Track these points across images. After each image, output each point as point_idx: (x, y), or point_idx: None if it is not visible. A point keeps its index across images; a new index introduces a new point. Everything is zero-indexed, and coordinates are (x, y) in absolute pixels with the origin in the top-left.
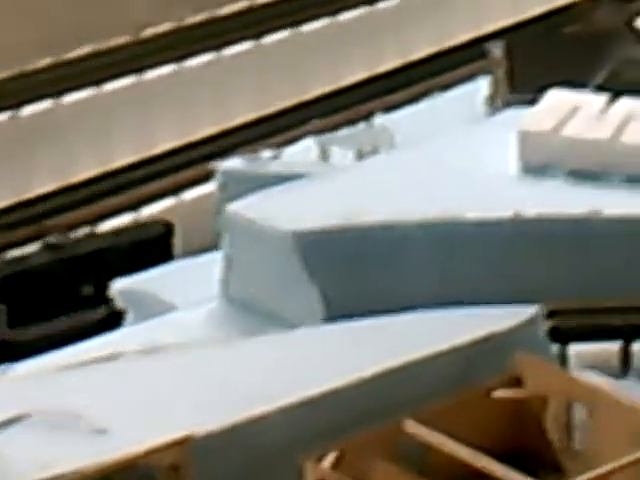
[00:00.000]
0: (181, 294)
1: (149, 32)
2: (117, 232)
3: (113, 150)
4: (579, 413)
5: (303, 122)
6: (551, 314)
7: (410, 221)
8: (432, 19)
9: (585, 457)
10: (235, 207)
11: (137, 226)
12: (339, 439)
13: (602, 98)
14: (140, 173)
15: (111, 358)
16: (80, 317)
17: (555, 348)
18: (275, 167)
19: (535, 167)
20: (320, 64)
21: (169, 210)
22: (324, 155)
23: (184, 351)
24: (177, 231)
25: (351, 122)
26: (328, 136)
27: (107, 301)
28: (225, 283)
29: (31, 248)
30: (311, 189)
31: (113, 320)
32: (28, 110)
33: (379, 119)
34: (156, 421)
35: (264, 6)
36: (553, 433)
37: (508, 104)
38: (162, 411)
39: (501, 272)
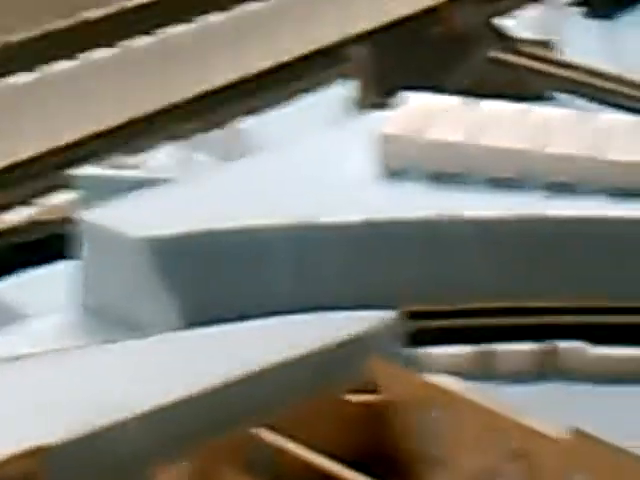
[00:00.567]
0: (34, 303)
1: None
2: None
3: None
4: (435, 418)
5: (165, 127)
6: (408, 318)
7: (266, 226)
8: (298, 22)
9: (441, 462)
10: (89, 214)
11: None
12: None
13: (463, 100)
14: None
15: None
16: None
17: (412, 352)
18: (134, 173)
19: (396, 170)
20: (185, 68)
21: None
22: (186, 160)
23: (38, 360)
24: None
25: (214, 126)
26: (191, 141)
27: None
28: (81, 291)
29: None
30: (169, 195)
31: None
32: None
33: (243, 123)
34: (7, 432)
35: (126, 12)
36: (409, 439)
37: (372, 107)
38: (14, 421)
39: (357, 276)
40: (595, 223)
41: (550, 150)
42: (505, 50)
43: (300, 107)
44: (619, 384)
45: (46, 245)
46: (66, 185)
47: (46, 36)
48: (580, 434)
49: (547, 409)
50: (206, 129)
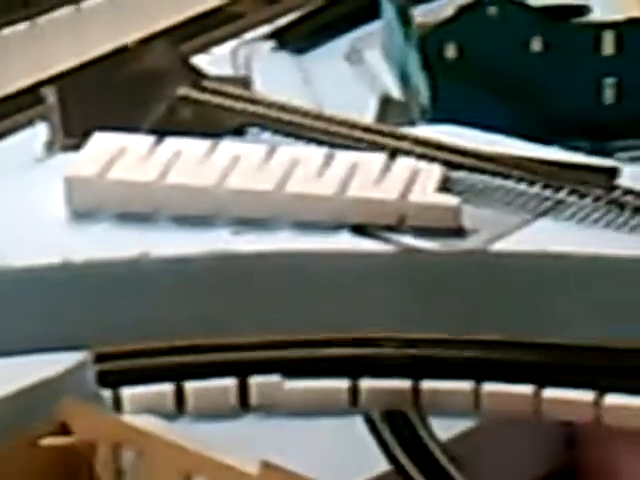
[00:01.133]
0: None
1: None
2: None
3: None
4: (129, 457)
5: None
6: (101, 358)
7: None
8: None
9: None
10: None
11: None
12: None
13: (149, 139)
14: None
15: None
16: None
17: (108, 393)
18: None
19: (83, 212)
20: None
21: None
22: None
23: None
24: None
25: None
26: None
27: None
28: None
29: None
30: None
31: None
32: None
33: None
34: None
35: None
36: (105, 479)
37: (64, 149)
38: None
39: (52, 318)
40: (281, 257)
41: (235, 186)
42: (195, 87)
43: None
44: (314, 416)
45: None
46: None
47: None
48: (269, 468)
49: (243, 444)
50: None
